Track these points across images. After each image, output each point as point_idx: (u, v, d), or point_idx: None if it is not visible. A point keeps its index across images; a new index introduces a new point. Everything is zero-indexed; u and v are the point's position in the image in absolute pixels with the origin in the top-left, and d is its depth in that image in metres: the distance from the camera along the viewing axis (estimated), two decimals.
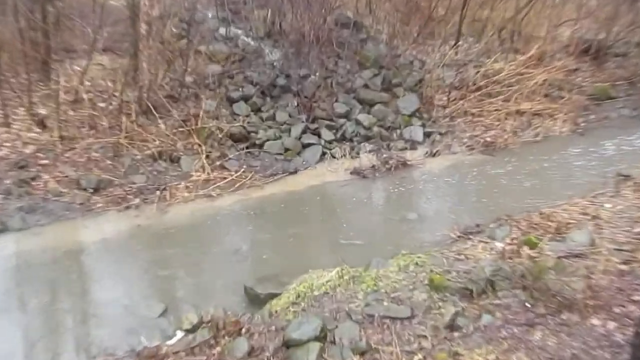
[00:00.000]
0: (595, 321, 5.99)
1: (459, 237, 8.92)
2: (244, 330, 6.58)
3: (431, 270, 7.56)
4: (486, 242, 8.46)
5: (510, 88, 14.70)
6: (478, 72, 14.98)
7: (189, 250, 8.85)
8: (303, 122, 12.75)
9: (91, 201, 10.10)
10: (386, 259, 8.04)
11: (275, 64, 13.88)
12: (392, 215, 10.21)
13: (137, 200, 10.24)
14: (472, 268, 7.36)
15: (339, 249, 8.82)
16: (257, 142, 12.20)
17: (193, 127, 11.85)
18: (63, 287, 7.97)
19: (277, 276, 7.88)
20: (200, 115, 12.01)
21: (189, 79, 13.12)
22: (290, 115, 12.96)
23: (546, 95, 14.83)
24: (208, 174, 11.14)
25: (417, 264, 7.82)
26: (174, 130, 11.83)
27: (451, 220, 9.40)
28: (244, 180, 11.08)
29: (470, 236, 8.86)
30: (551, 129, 13.87)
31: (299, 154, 12.21)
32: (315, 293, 7.30)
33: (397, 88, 14.25)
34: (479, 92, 14.54)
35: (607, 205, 9.32)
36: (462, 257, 7.99)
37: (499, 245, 8.24)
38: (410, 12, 17.11)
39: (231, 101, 13.00)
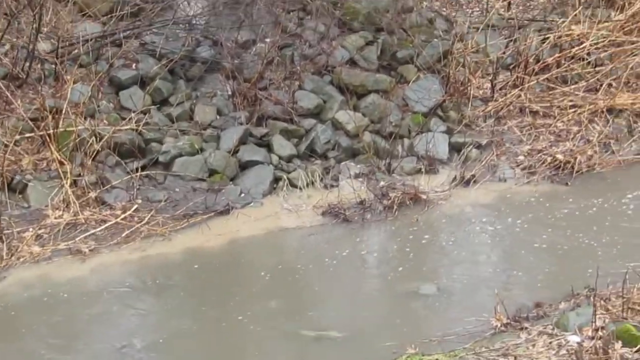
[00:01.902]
0: None
1: (506, 325, 9.15)
2: None
3: None
4: (552, 335, 8.70)
5: (599, 69, 15.08)
6: (545, 40, 15.38)
7: (40, 349, 8.94)
8: (242, 124, 12.98)
9: None
10: None
11: (195, 21, 14.11)
12: (393, 287, 10.40)
13: None
14: None
15: (301, 346, 9.02)
16: (162, 158, 12.43)
17: (50, 132, 12.00)
18: None
19: None
20: (63, 111, 12.18)
21: (44, 45, 13.29)
22: (219, 113, 13.21)
23: None
24: (75, 213, 11.31)
25: None
26: (17, 137, 11.99)
27: (493, 296, 9.64)
28: (138, 224, 11.29)
29: (526, 324, 9.08)
30: None
31: (233, 179, 12.46)
32: None
33: (406, 66, 14.60)
34: (545, 75, 14.91)
35: None
36: None
37: (573, 340, 8.46)
38: None
39: (118, 86, 13.21)
